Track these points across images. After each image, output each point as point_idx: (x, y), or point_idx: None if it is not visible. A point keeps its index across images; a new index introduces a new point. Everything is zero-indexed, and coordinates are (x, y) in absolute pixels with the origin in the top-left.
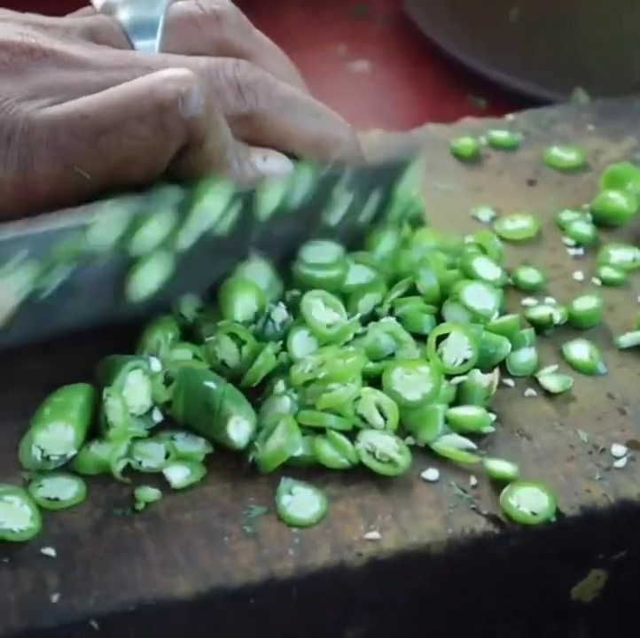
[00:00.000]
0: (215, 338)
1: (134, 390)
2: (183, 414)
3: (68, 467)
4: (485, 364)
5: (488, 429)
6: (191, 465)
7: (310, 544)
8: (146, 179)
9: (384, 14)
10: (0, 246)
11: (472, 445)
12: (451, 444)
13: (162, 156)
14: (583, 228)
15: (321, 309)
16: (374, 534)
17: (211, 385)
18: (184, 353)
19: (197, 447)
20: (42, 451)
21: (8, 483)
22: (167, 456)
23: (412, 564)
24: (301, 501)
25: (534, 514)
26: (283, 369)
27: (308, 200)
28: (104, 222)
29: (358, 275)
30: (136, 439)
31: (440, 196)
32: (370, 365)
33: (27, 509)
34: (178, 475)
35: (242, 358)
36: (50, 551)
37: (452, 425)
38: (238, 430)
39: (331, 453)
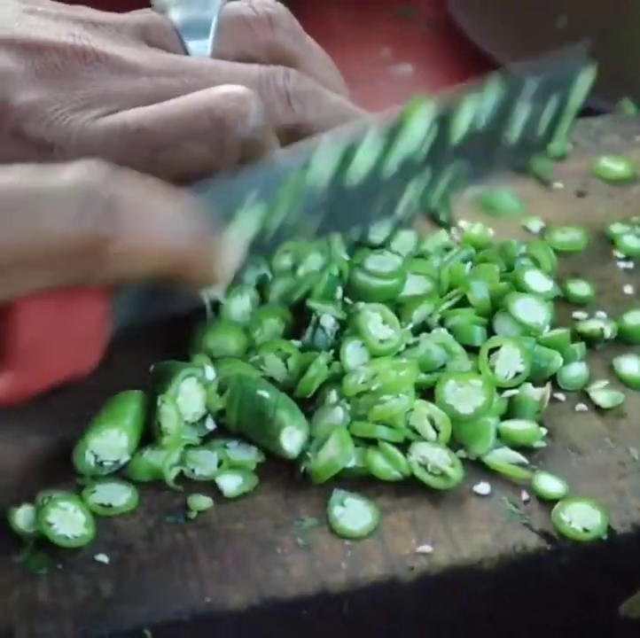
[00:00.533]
0: (259, 356)
1: (188, 397)
2: (237, 422)
3: (121, 473)
4: (536, 378)
5: (540, 443)
6: (243, 474)
7: (362, 557)
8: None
9: (429, 17)
10: (232, 189)
11: (523, 459)
12: (503, 458)
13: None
14: (633, 241)
15: (378, 324)
16: (426, 548)
17: (265, 394)
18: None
19: (249, 455)
20: (96, 457)
21: (63, 489)
22: (219, 465)
23: (463, 580)
24: (353, 513)
25: (586, 530)
26: (335, 379)
27: (494, 116)
28: (321, 158)
29: (413, 285)
30: (189, 446)
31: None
32: (423, 377)
33: (81, 516)
34: (230, 484)
35: (289, 371)
36: (103, 558)
37: (504, 439)
38: (291, 440)
39: (383, 465)
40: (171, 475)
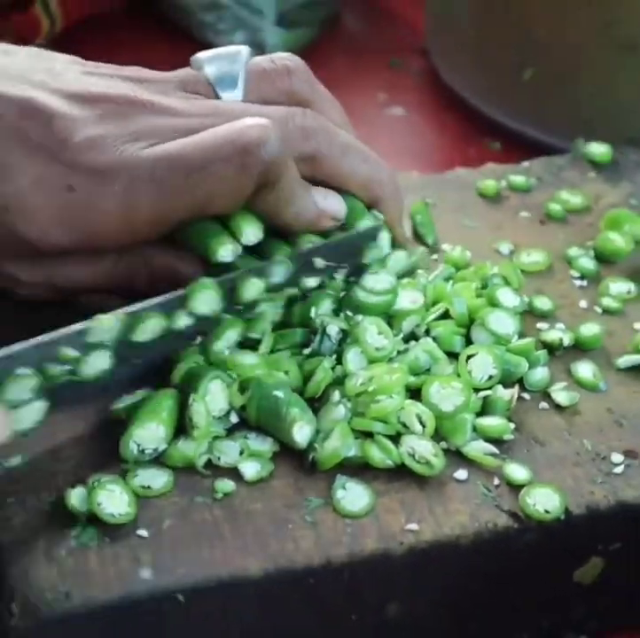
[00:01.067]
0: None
1: (215, 396)
2: (256, 417)
3: (159, 460)
4: (506, 380)
5: (509, 436)
6: (261, 461)
7: (360, 533)
8: (227, 212)
9: (417, 67)
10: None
11: (495, 450)
12: (478, 449)
13: (242, 192)
14: (587, 263)
15: (374, 334)
16: (413, 526)
17: (279, 393)
18: (252, 360)
19: (266, 445)
20: (138, 445)
21: (110, 473)
22: (241, 453)
23: (444, 553)
24: (353, 496)
25: (547, 512)
26: (338, 381)
27: (283, 284)
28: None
29: (404, 299)
30: (215, 438)
31: (468, 231)
32: (412, 379)
33: (126, 497)
34: (250, 470)
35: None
36: (143, 532)
37: (479, 433)
38: (301, 433)
39: (378, 455)
40: (200, 462)
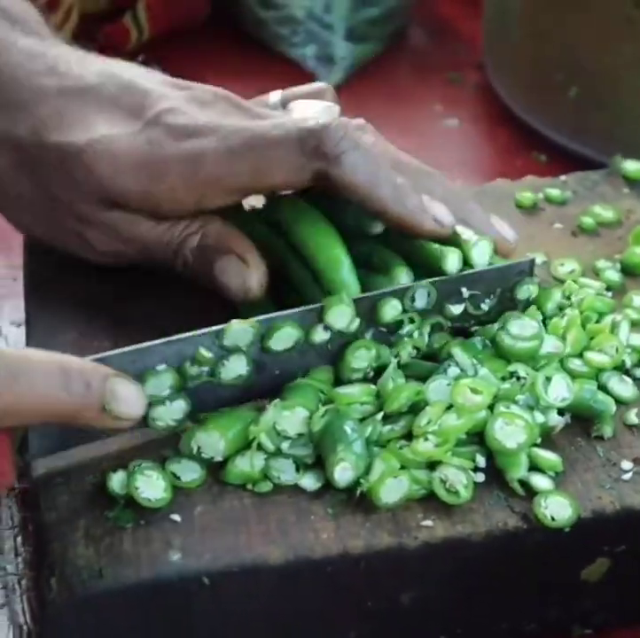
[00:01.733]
0: None
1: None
2: (317, 441)
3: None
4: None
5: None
6: (317, 473)
7: (377, 527)
8: (287, 188)
9: (473, 82)
10: (141, 356)
11: (550, 485)
12: (534, 482)
13: (302, 174)
14: (613, 275)
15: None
16: (428, 522)
17: (348, 428)
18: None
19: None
20: (199, 448)
21: (149, 459)
22: (297, 470)
23: (456, 549)
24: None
25: (553, 519)
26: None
27: (426, 309)
28: (235, 334)
29: (548, 344)
30: (271, 454)
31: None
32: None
33: (162, 483)
34: (310, 483)
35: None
36: (176, 517)
37: (531, 460)
38: (343, 474)
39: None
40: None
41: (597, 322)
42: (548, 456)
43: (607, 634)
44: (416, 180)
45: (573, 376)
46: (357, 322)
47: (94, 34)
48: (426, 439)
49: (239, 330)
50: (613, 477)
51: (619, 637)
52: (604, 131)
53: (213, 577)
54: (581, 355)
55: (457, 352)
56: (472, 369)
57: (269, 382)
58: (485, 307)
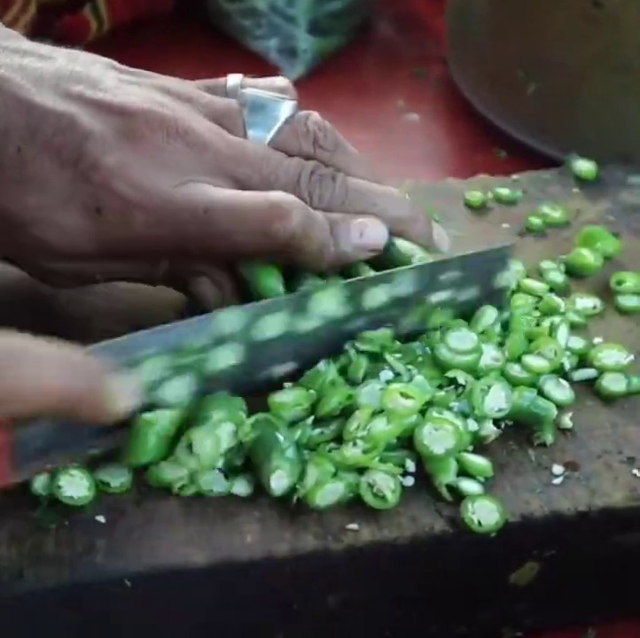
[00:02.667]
0: None
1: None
2: (248, 449)
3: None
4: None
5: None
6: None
7: (303, 530)
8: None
9: (436, 76)
10: (131, 345)
11: (479, 490)
12: (462, 487)
13: (262, 256)
14: (557, 276)
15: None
16: (354, 526)
17: (281, 437)
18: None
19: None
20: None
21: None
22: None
23: (382, 552)
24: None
25: (480, 524)
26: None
27: (410, 292)
28: (225, 321)
29: (486, 356)
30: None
31: (453, 241)
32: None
33: (85, 482)
34: (241, 489)
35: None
36: (101, 518)
37: (460, 465)
38: (278, 482)
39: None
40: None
41: (538, 324)
42: (478, 461)
43: (538, 637)
44: (362, 196)
45: (513, 382)
46: (345, 309)
47: (52, 25)
48: (355, 445)
49: (227, 318)
50: (544, 481)
51: None
52: (563, 129)
53: (134, 579)
54: (520, 360)
55: (391, 357)
56: (407, 374)
57: (258, 374)
58: (467, 295)
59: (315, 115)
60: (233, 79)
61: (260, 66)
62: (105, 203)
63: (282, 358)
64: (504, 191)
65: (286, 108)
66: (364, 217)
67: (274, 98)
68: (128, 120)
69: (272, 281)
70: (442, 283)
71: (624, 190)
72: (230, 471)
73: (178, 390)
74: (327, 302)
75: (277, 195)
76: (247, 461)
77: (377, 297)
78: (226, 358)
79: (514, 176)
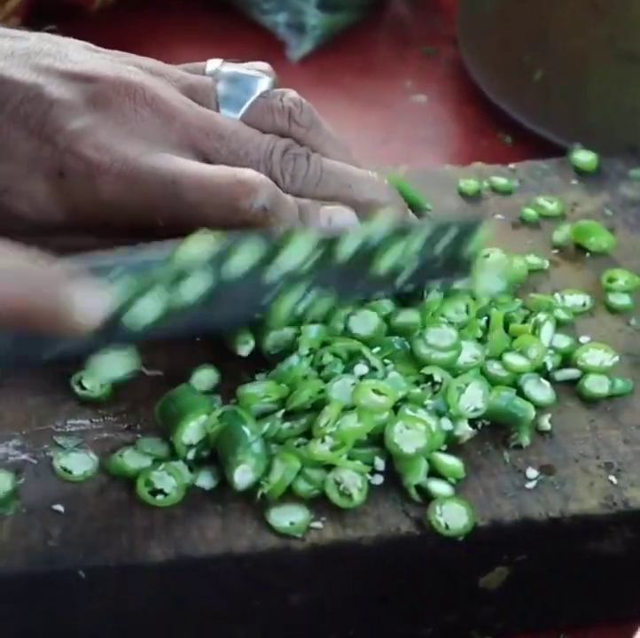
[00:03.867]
0: None
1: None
2: (214, 442)
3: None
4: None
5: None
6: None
7: (265, 527)
8: None
9: (447, 57)
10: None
11: (449, 492)
12: (432, 488)
13: (228, 230)
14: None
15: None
16: (318, 524)
17: (247, 430)
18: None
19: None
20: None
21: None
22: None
23: (346, 552)
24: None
25: (447, 527)
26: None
27: (380, 248)
28: (194, 248)
29: (465, 353)
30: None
31: None
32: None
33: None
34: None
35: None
36: (59, 507)
37: (432, 465)
38: (243, 477)
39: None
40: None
41: (525, 322)
42: (449, 462)
43: None
44: (337, 177)
45: (492, 381)
46: (313, 260)
47: None
48: (323, 441)
49: (196, 249)
50: (517, 485)
51: None
52: (568, 117)
53: (89, 571)
54: (501, 358)
55: (368, 351)
56: (382, 369)
57: (223, 313)
58: (433, 262)
59: (292, 92)
60: (213, 63)
61: (267, 42)
62: (69, 166)
63: (248, 301)
64: (500, 181)
65: (262, 84)
66: (335, 205)
67: (250, 74)
68: (95, 85)
69: None
70: (411, 244)
71: (624, 184)
72: (195, 464)
73: (146, 312)
74: (298, 250)
75: (245, 171)
76: (214, 453)
77: (350, 247)
78: (193, 287)
79: (511, 165)
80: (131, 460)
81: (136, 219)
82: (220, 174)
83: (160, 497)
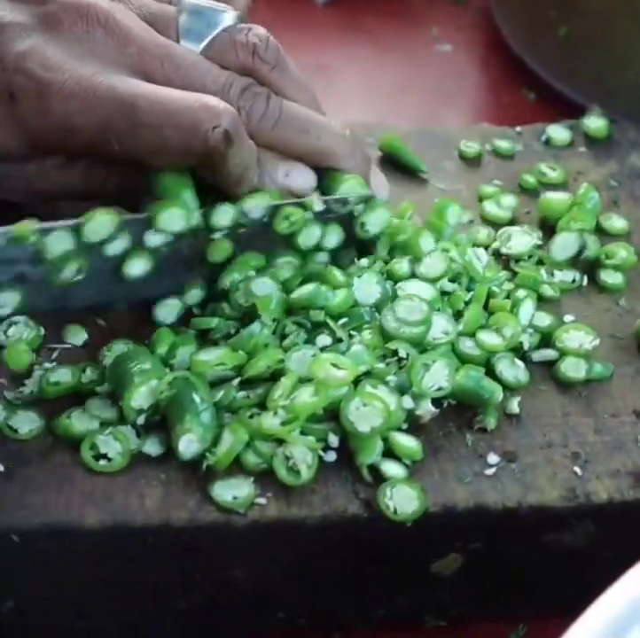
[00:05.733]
0: None
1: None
2: (163, 408)
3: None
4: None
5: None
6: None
7: (208, 500)
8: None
9: (476, 7)
10: None
11: (404, 473)
12: (386, 470)
13: (182, 161)
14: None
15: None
16: (262, 500)
17: (197, 398)
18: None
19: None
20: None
21: None
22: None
23: (289, 531)
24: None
25: (396, 512)
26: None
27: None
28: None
29: (436, 328)
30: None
31: (439, 194)
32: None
33: None
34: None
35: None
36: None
37: (388, 445)
38: (188, 446)
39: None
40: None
41: (508, 297)
42: (407, 443)
43: (463, 627)
44: (296, 121)
45: (463, 359)
46: (193, 221)
47: None
48: (276, 414)
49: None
50: (475, 470)
51: (475, 631)
52: (590, 75)
53: (24, 535)
54: (474, 335)
55: (333, 322)
56: (347, 341)
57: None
58: (332, 238)
59: (259, 28)
60: None
61: None
62: (18, 86)
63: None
64: (503, 144)
65: (227, 18)
66: (293, 162)
67: (215, 7)
68: (46, 7)
69: (188, 194)
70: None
71: (635, 153)
72: (145, 429)
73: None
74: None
75: (209, 97)
76: (164, 419)
77: (224, 217)
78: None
79: (517, 128)
80: (79, 422)
81: (92, 143)
82: (182, 96)
83: (102, 462)
